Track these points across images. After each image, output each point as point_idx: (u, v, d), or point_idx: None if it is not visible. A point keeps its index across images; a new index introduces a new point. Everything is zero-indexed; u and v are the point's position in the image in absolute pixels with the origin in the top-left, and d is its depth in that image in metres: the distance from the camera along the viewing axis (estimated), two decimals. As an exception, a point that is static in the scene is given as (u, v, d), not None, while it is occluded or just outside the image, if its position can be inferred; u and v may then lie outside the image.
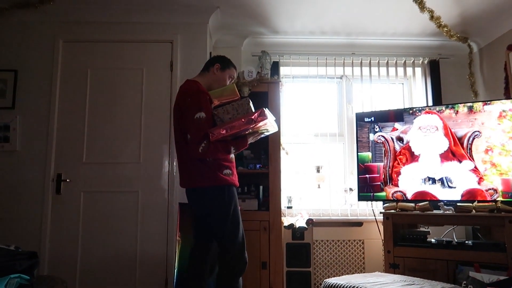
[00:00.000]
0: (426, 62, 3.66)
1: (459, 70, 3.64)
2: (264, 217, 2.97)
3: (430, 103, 3.56)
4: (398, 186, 2.93)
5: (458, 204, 2.75)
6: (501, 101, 2.75)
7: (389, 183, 2.97)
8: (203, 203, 2.20)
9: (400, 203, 2.93)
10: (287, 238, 3.02)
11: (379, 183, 3.01)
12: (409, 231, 2.90)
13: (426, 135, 2.85)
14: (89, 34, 3.17)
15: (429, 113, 2.89)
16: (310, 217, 3.08)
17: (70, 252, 2.91)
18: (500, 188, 2.64)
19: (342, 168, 3.66)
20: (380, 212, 3.01)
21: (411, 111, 2.97)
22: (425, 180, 2.85)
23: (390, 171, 2.97)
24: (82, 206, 2.97)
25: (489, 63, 3.53)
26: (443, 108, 2.85)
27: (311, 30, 3.56)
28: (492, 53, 3.49)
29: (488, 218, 2.64)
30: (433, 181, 2.82)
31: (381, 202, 3.20)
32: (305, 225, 2.98)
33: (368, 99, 3.65)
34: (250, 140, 2.27)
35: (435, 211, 2.83)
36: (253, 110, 2.16)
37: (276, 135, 3.04)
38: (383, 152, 3.02)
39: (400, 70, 3.71)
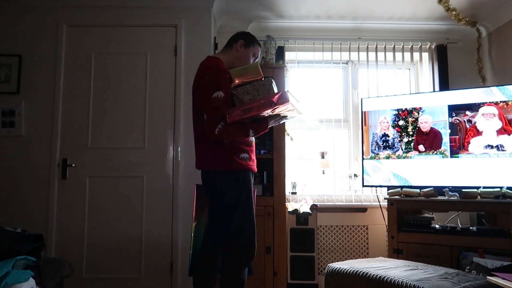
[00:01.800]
0: (433, 47, 3.60)
1: (467, 55, 3.58)
2: (269, 202, 2.98)
3: (437, 89, 3.51)
4: (468, 150, 2.88)
5: (463, 190, 2.73)
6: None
7: (462, 149, 2.90)
8: (216, 187, 2.10)
9: (404, 189, 2.92)
10: (291, 224, 3.03)
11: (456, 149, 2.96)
12: (413, 217, 2.90)
13: (487, 119, 2.83)
14: (93, 19, 3.15)
15: (490, 105, 2.83)
16: (314, 203, 3.09)
17: (77, 236, 2.95)
18: None
19: (347, 154, 3.65)
20: (385, 198, 3.00)
21: (478, 104, 2.85)
22: (486, 147, 2.83)
23: (463, 141, 2.90)
24: (87, 191, 2.99)
25: (498, 48, 3.47)
26: (499, 102, 2.79)
27: (317, 14, 3.51)
28: (502, 37, 3.42)
29: (493, 204, 2.63)
30: (491, 147, 2.78)
31: (385, 188, 3.19)
32: (309, 211, 2.99)
33: (374, 85, 3.61)
34: (272, 123, 2.14)
35: (439, 197, 2.82)
36: (275, 91, 2.00)
37: (281, 121, 3.02)
38: (458, 129, 2.94)
39: (407, 55, 3.65)
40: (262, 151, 3.16)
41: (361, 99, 3.25)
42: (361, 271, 2.19)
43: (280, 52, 3.53)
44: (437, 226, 2.81)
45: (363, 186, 3.17)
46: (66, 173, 2.99)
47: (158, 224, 2.97)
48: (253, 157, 2.16)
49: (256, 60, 2.33)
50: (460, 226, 2.78)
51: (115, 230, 2.96)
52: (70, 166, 3.00)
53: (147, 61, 3.12)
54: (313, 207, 3.02)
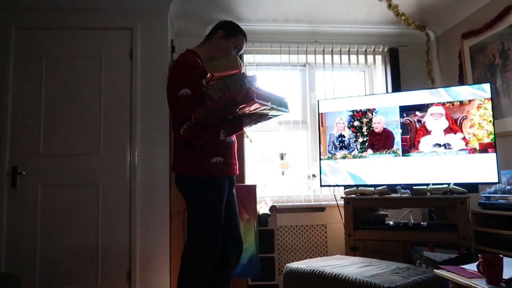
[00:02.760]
0: (386, 50, 3.74)
1: (417, 57, 3.74)
2: (228, 205, 2.98)
3: (390, 90, 3.65)
4: (418, 149, 2.98)
5: (414, 187, 2.86)
6: (455, 87, 2.88)
7: (413, 148, 3.00)
8: (182, 192, 1.99)
9: (360, 188, 3.01)
10: (251, 225, 3.05)
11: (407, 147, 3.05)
12: (368, 214, 2.99)
13: (435, 119, 2.95)
14: (45, 21, 3.03)
15: (437, 105, 2.96)
16: (274, 204, 3.13)
17: (29, 247, 2.82)
18: (477, 147, 2.77)
19: (305, 155, 3.72)
20: (342, 197, 3.08)
21: (426, 105, 2.96)
22: (434, 145, 2.94)
23: (413, 140, 3.01)
24: (40, 200, 2.88)
25: (445, 51, 3.66)
26: (445, 102, 2.92)
27: (274, 18, 3.56)
28: (448, 41, 3.60)
29: (442, 200, 2.76)
30: (439, 145, 2.90)
31: (342, 188, 3.27)
32: (268, 212, 3.02)
33: (331, 87, 3.70)
34: (248, 123, 1.98)
35: (393, 195, 2.93)
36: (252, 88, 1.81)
37: (239, 123, 3.04)
38: (409, 128, 3.05)
39: (361, 58, 3.77)
40: (222, 154, 3.16)
41: (318, 100, 3.33)
42: (317, 270, 2.24)
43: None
44: (391, 222, 2.92)
45: (321, 186, 3.24)
46: (16, 181, 2.87)
47: (115, 232, 2.90)
48: (231, 159, 2.01)
49: (240, 52, 2.19)
50: (412, 222, 2.90)
51: (69, 239, 2.86)
52: (21, 174, 2.88)
53: (101, 64, 3.04)
54: (273, 208, 3.06)
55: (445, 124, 2.92)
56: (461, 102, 2.90)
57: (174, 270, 2.90)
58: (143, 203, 2.94)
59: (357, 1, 3.30)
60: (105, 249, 2.88)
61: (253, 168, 3.56)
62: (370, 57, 3.82)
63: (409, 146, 2.99)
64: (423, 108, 2.98)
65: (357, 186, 3.03)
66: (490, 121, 2.78)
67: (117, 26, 3.09)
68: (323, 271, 2.21)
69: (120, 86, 3.03)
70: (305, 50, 3.71)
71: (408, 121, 3.02)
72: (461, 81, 3.35)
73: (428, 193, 2.81)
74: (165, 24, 3.16)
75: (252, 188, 2.91)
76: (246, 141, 3.46)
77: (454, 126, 2.90)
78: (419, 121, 2.99)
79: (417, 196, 2.82)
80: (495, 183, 2.67)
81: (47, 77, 2.99)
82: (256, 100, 1.73)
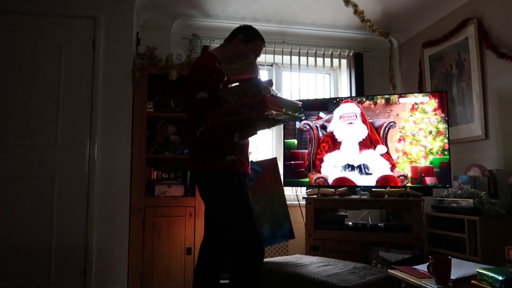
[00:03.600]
0: (351, 54, 3.83)
1: (381, 63, 3.86)
2: (190, 203, 2.95)
3: (354, 94, 3.74)
4: (320, 173, 3.06)
5: (373, 189, 2.94)
6: (414, 94, 2.97)
7: (313, 169, 3.09)
8: (201, 191, 2.03)
9: (321, 189, 3.07)
10: (213, 223, 3.03)
11: (303, 169, 3.12)
12: (329, 215, 3.06)
13: (347, 123, 2.98)
14: (3, 5, 2.87)
15: (348, 102, 3.03)
16: (236, 203, 3.12)
17: (-24, 243, 2.67)
18: (409, 174, 2.87)
19: (270, 154, 3.74)
20: (303, 197, 3.13)
21: (334, 101, 3.09)
22: (345, 167, 3.01)
23: (313, 158, 3.09)
24: (-10, 192, 2.73)
25: (407, 59, 3.79)
26: (364, 99, 3.02)
27: (243, 16, 3.55)
28: (410, 49, 3.74)
29: (398, 202, 2.87)
30: (352, 168, 2.98)
31: (304, 188, 3.32)
32: (230, 210, 3.01)
33: (297, 88, 3.75)
34: (262, 127, 2.02)
35: (352, 196, 3.00)
36: (267, 93, 1.83)
37: (204, 121, 3.02)
38: (308, 139, 3.12)
39: (327, 60, 3.84)
40: (186, 151, 3.12)
41: (284, 101, 3.35)
42: (277, 269, 2.26)
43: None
44: (350, 223, 2.99)
45: (284, 185, 3.27)
46: (-36, 173, 2.70)
47: (71, 227, 2.79)
48: (244, 159, 2.03)
49: (257, 57, 2.22)
50: (370, 223, 2.99)
51: (21, 235, 2.72)
52: (-31, 165, 2.71)
53: (62, 53, 2.92)
54: (235, 207, 3.05)
55: (362, 131, 2.69)
56: (388, 100, 2.73)
57: (131, 267, 2.84)
58: (102, 198, 2.85)
59: (324, 5, 3.35)
60: (59, 245, 2.77)
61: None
62: (336, 61, 3.90)
63: (307, 168, 2.94)
64: (330, 105, 2.74)
65: (319, 187, 3.08)
66: (431, 132, 2.76)
67: (80, 14, 2.98)
68: (282, 270, 2.24)
69: (81, 77, 2.92)
70: (273, 50, 3.73)
71: (307, 127, 2.87)
72: (421, 88, 3.49)
73: (386, 195, 2.91)
74: (130, 15, 3.07)
75: (274, 160, 2.89)
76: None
77: (375, 135, 2.76)
78: (323, 127, 2.83)
79: (376, 198, 2.90)
80: (448, 187, 2.79)
81: (2, 64, 2.83)
82: (270, 107, 1.77)
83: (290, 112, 1.92)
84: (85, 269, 2.78)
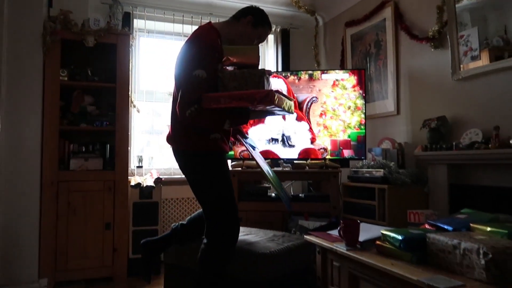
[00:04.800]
0: (278, 30, 3.86)
1: (307, 40, 3.95)
2: (109, 176, 2.83)
3: (280, 69, 3.79)
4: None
5: (295, 161, 3.04)
6: (335, 71, 3.08)
7: (237, 143, 3.10)
8: (184, 168, 1.95)
9: (246, 161, 3.10)
10: (134, 198, 2.95)
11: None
12: (253, 187, 3.12)
13: None
14: None
15: (275, 77, 3.07)
16: (159, 176, 3.05)
17: None
18: (329, 147, 3.01)
19: (196, 128, 3.68)
20: (228, 170, 3.14)
21: None
22: (269, 141, 3.07)
23: None
24: None
25: (331, 37, 3.91)
26: (288, 74, 3.07)
27: (168, -16, 3.41)
28: (334, 28, 3.86)
29: (318, 173, 3.00)
30: (276, 141, 3.05)
31: (229, 160, 3.33)
32: (153, 184, 2.94)
33: (224, 61, 3.70)
34: (253, 117, 1.95)
35: (275, 168, 3.08)
36: (267, 87, 1.78)
37: (124, 90, 2.88)
38: None
39: (255, 35, 3.83)
40: (105, 123, 2.96)
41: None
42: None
43: (127, 18, 3.33)
44: (272, 194, 3.08)
45: (209, 159, 3.26)
46: None
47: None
48: (226, 138, 1.98)
49: (260, 43, 2.08)
50: (292, 194, 3.10)
51: None
52: None
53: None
54: (158, 180, 2.99)
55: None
56: (311, 76, 2.94)
57: (43, 245, 2.66)
58: (8, 172, 2.61)
59: (252, -22, 3.31)
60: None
61: (140, 139, 3.41)
62: (263, 36, 3.90)
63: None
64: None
65: (244, 159, 3.11)
66: (350, 108, 2.92)
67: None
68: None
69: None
70: (199, 21, 3.63)
71: None
72: (342, 66, 3.64)
73: (307, 167, 3.02)
74: (40, -27, 2.79)
75: None
76: (133, 110, 3.30)
77: (299, 112, 2.96)
78: None
79: (297, 170, 3.01)
80: (363, 159, 2.97)
81: None
82: (275, 103, 1.71)
83: (286, 108, 1.89)
84: (39, 269, 2.59)
